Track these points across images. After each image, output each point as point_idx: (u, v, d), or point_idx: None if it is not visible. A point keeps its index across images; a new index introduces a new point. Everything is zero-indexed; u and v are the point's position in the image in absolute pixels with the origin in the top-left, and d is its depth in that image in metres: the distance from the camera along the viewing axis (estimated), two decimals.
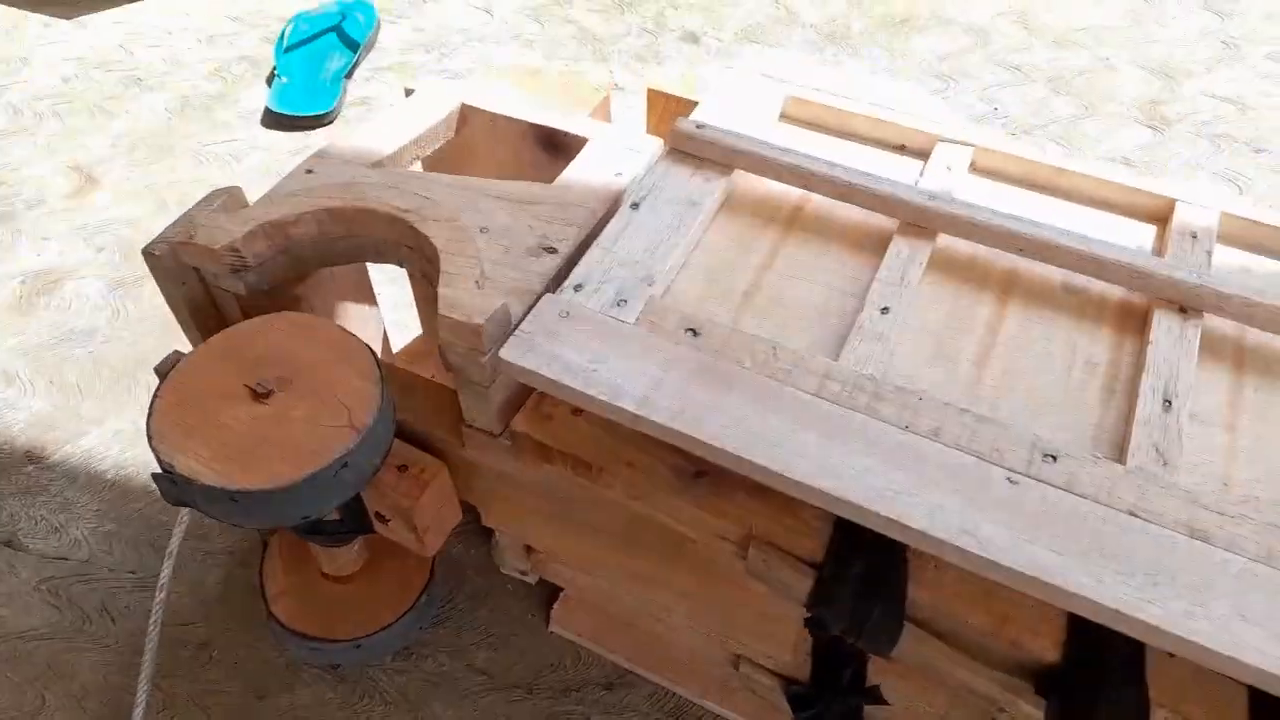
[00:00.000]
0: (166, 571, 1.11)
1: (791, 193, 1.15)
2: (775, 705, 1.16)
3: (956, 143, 1.18)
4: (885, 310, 0.98)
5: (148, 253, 1.11)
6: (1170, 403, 0.89)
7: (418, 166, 1.32)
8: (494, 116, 1.31)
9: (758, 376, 0.91)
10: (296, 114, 2.21)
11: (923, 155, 1.19)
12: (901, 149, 1.21)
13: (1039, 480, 0.83)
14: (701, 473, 0.99)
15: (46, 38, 2.51)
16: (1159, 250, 1.07)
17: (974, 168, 1.17)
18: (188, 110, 2.27)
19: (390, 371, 1.17)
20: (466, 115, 1.33)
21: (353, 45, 2.40)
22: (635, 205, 1.09)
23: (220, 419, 0.96)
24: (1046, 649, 0.85)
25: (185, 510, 1.11)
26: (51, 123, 2.23)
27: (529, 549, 1.30)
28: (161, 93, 2.33)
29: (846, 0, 2.63)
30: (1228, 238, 1.08)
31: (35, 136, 2.19)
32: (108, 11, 2.60)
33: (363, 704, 1.26)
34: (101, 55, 2.45)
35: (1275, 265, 1.06)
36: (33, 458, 1.54)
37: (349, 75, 2.37)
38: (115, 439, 1.57)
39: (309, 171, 1.17)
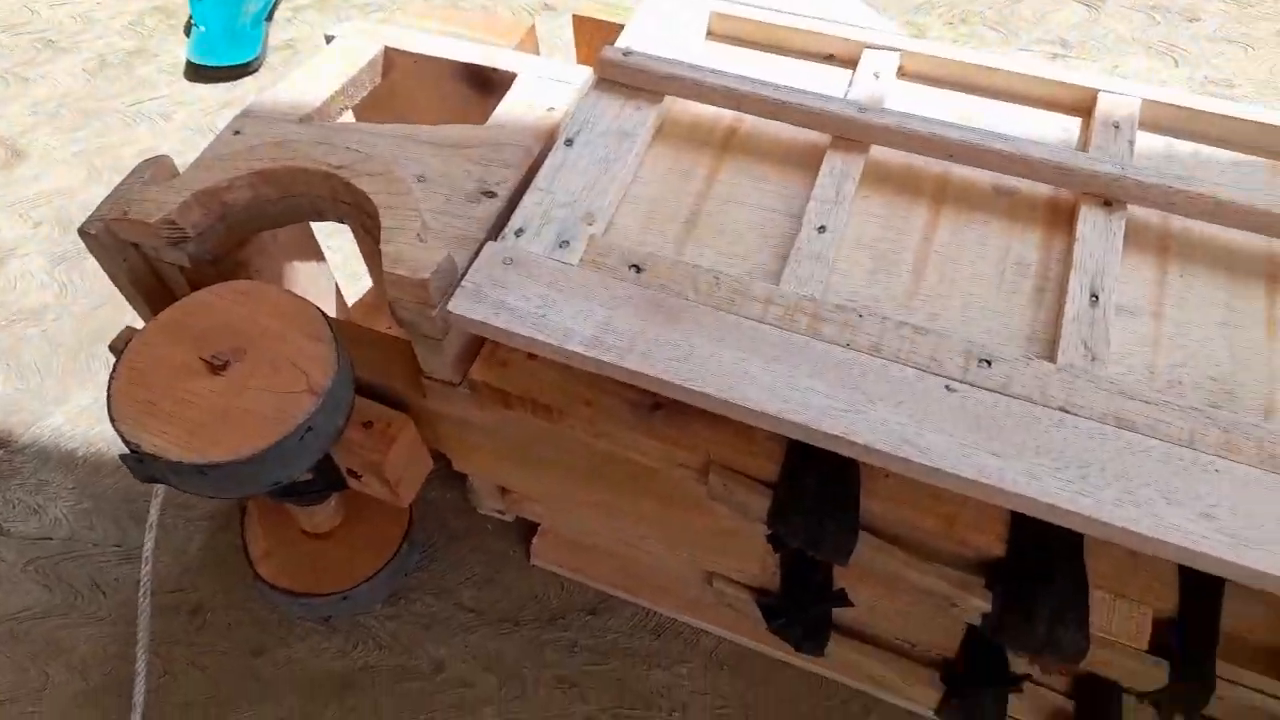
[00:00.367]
0: (149, 543, 1.13)
1: (724, 115, 1.14)
2: (750, 616, 1.22)
3: (883, 49, 1.18)
4: (822, 229, 1.00)
5: (84, 232, 1.09)
6: (1097, 297, 0.92)
7: (348, 116, 1.30)
8: (418, 58, 1.29)
9: (702, 308, 0.93)
10: (220, 64, 2.14)
11: (851, 64, 1.19)
12: (830, 59, 1.21)
13: (976, 386, 0.86)
14: (658, 405, 1.01)
15: None
16: (1084, 143, 1.09)
17: (902, 73, 1.17)
18: (107, 69, 2.19)
19: (345, 329, 1.18)
20: (391, 59, 1.31)
21: None
22: (569, 142, 1.08)
23: (180, 394, 0.97)
24: (992, 544, 0.91)
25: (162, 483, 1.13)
26: None
27: (503, 489, 1.34)
28: (76, 53, 2.24)
29: None
30: (1150, 124, 1.10)
31: None
32: None
33: (357, 651, 1.31)
34: (6, 17, 2.34)
35: (1196, 148, 1.09)
36: (1, 443, 1.55)
37: (269, 17, 2.29)
38: (81, 415, 1.57)
39: (237, 133, 1.15)
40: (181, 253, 1.09)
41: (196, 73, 2.16)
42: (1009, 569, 0.88)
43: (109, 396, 0.98)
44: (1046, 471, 0.80)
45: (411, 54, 1.29)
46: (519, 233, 1.00)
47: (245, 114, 1.18)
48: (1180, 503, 0.78)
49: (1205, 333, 0.93)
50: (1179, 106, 1.09)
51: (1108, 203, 1.00)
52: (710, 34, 1.26)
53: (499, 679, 1.29)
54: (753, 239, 1.02)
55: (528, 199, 1.03)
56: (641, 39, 1.20)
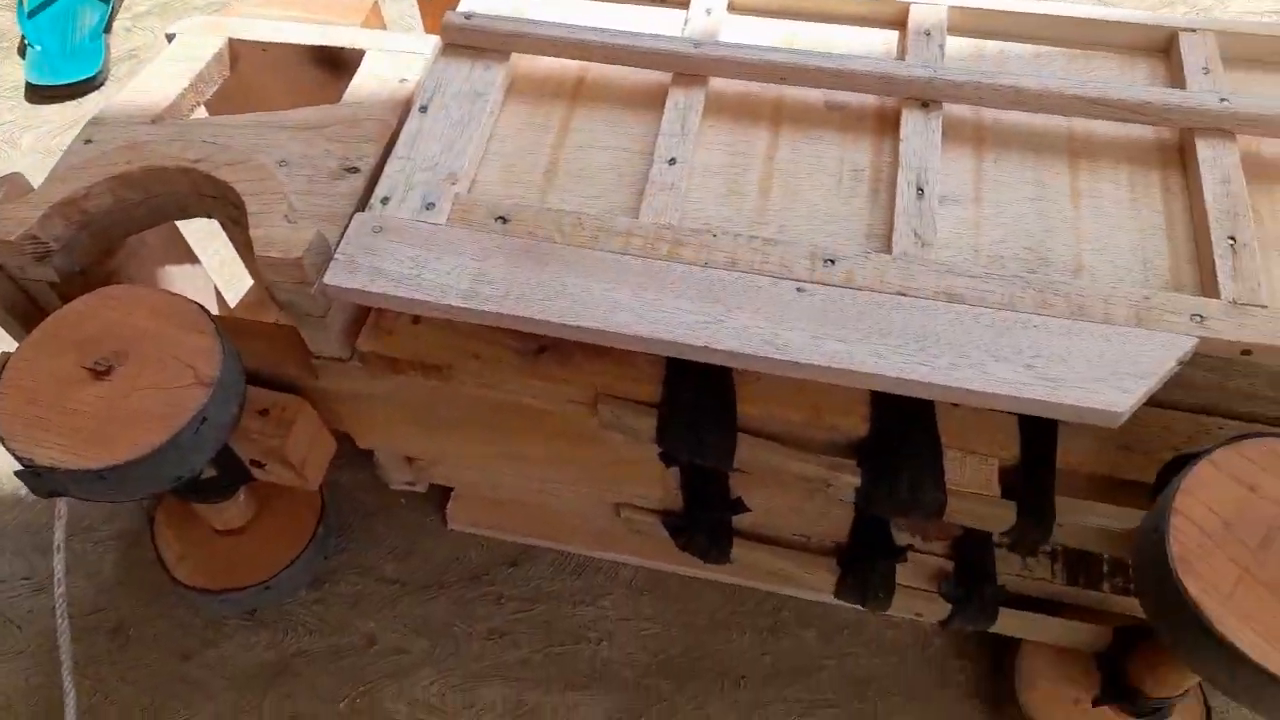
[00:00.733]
0: (59, 564, 1.13)
1: (570, 66, 1.19)
2: (661, 539, 1.29)
3: None
4: (672, 161, 1.06)
5: None
6: (923, 190, 1.02)
7: (201, 113, 1.30)
8: (264, 46, 1.29)
9: (569, 248, 0.98)
10: (61, 83, 2.07)
11: (684, 4, 1.25)
12: (663, 1, 1.27)
13: (823, 284, 0.94)
14: (543, 349, 1.07)
15: None
16: (901, 53, 1.18)
17: (732, 7, 1.24)
18: None
19: (228, 323, 1.19)
20: (237, 50, 1.31)
21: None
22: (424, 108, 1.12)
23: (68, 405, 0.97)
24: (857, 426, 1.00)
25: (61, 503, 1.13)
26: None
27: (409, 460, 1.37)
28: None
29: None
30: (959, 29, 1.20)
31: None
32: None
33: (288, 639, 1.33)
34: None
35: (1002, 46, 1.19)
36: None
37: (107, 29, 2.22)
38: None
39: (88, 141, 1.15)
40: (47, 267, 1.09)
41: (38, 94, 2.09)
42: (875, 444, 0.98)
43: None
44: (890, 349, 0.89)
45: (256, 43, 1.30)
46: (385, 201, 1.03)
47: (95, 122, 1.17)
48: (1005, 358, 0.88)
49: (1019, 210, 1.03)
50: (982, 10, 1.19)
51: (925, 104, 1.09)
52: None
53: (431, 641, 1.33)
54: (610, 179, 1.08)
55: (390, 168, 1.06)
56: (482, 1, 1.24)
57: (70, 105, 2.08)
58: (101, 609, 1.36)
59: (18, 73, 2.14)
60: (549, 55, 1.17)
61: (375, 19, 1.41)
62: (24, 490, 1.47)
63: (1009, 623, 1.19)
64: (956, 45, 1.19)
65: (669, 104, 1.12)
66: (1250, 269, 0.95)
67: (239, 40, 1.30)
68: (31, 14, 2.18)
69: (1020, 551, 1.10)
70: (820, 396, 1.01)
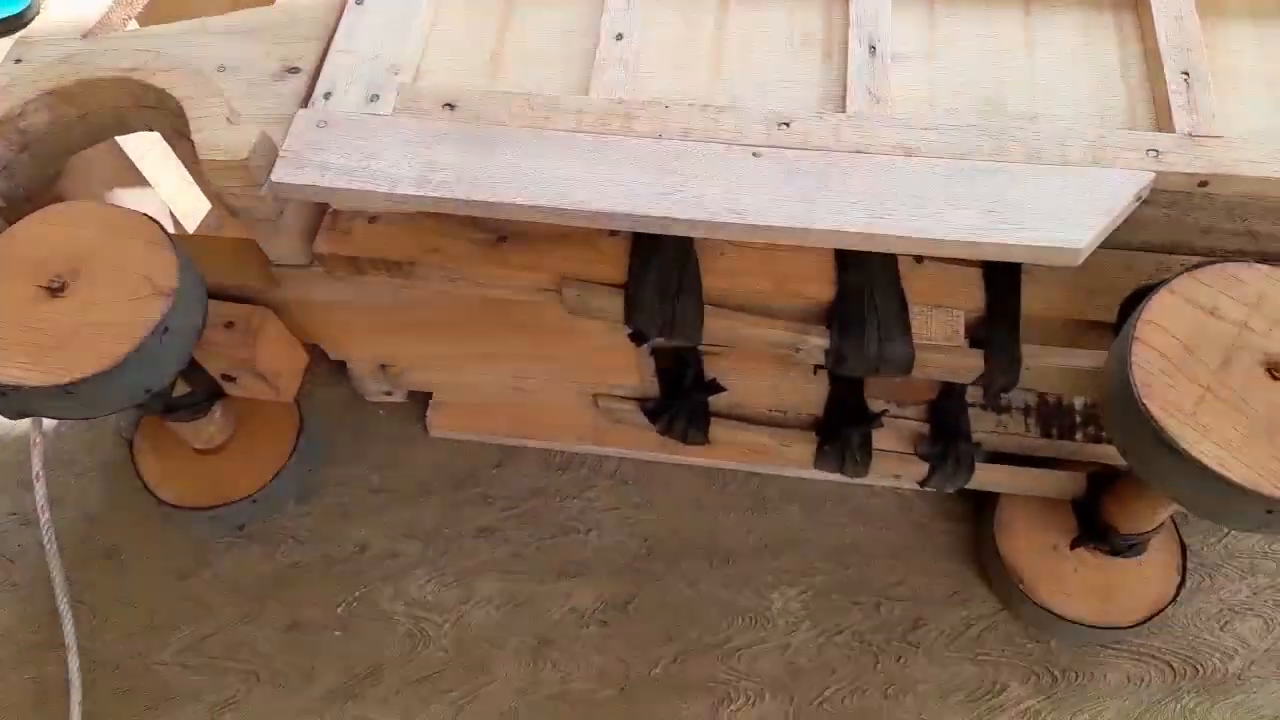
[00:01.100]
0: (40, 492, 1.14)
1: None
2: (640, 427, 1.31)
3: None
4: (620, 36, 1.04)
5: None
6: (875, 47, 1.00)
7: (134, 27, 1.26)
8: None
9: (520, 129, 0.97)
10: None
11: None
12: None
13: (779, 147, 0.94)
14: (503, 238, 1.06)
15: None
16: None
17: None
18: None
19: (185, 241, 1.18)
20: None
21: None
22: (359, 1, 1.08)
23: (28, 324, 0.96)
24: (823, 290, 1.00)
25: (36, 432, 1.13)
26: None
27: (383, 368, 1.37)
28: None
29: None
30: None
31: None
32: None
33: (281, 551, 1.35)
34: None
35: None
36: None
37: None
38: None
39: (18, 61, 1.11)
40: None
41: None
42: (842, 304, 0.98)
43: None
44: (849, 205, 0.89)
45: None
46: (327, 96, 1.01)
47: (23, 41, 1.13)
48: (964, 206, 0.88)
49: (974, 61, 1.01)
50: None
51: None
52: None
53: (422, 543, 1.35)
54: (558, 59, 1.05)
55: (330, 62, 1.04)
56: None
57: (2, 42, 2.00)
58: (92, 538, 1.37)
59: None
60: None
61: None
62: (2, 429, 1.48)
63: (986, 477, 1.21)
64: None
65: None
66: (1204, 102, 0.94)
67: None
68: None
69: (990, 398, 1.12)
70: (786, 265, 1.01)
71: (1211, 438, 0.79)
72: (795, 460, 1.25)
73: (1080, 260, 0.87)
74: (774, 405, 1.25)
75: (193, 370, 1.13)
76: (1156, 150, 0.91)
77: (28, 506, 1.41)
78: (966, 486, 1.23)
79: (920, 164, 0.91)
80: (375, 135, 0.96)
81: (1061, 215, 0.87)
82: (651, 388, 1.26)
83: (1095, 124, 0.96)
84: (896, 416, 1.20)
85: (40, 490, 1.15)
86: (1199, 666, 1.24)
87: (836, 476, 1.29)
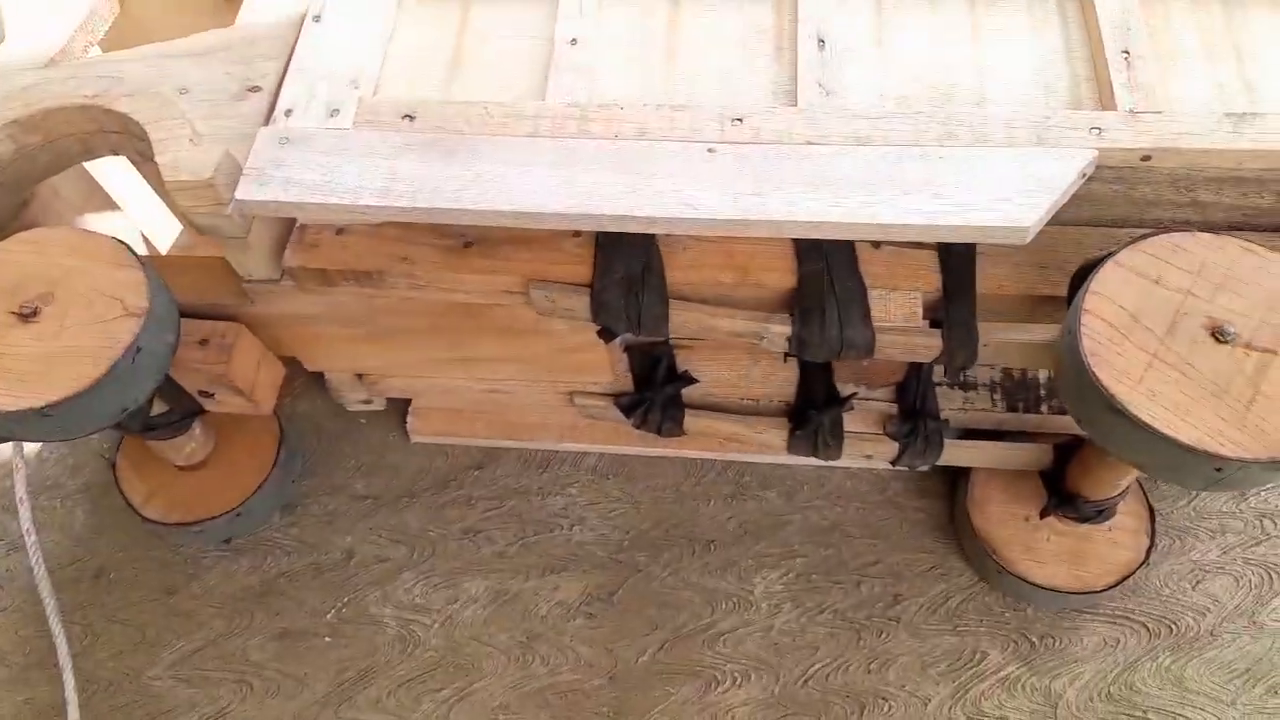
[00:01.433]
0: (25, 516, 1.15)
1: None
2: (617, 422, 1.33)
3: None
4: (574, 41, 1.06)
5: None
6: (824, 41, 1.02)
7: (96, 54, 1.27)
8: None
9: (478, 137, 0.98)
10: None
11: None
12: None
13: (733, 143, 0.96)
14: (469, 243, 1.08)
15: None
16: None
17: None
18: None
19: (156, 261, 1.19)
20: None
21: None
22: (317, 18, 1.10)
23: (1, 350, 0.97)
24: (784, 279, 1.02)
25: (19, 457, 1.14)
26: None
27: (360, 377, 1.39)
28: None
29: None
30: None
31: None
32: None
33: (268, 563, 1.37)
34: None
35: None
36: None
37: None
38: None
39: None
40: None
41: None
42: (800, 294, 1.00)
43: None
44: (802, 196, 0.91)
45: None
46: (289, 113, 1.02)
47: None
48: (914, 190, 0.90)
49: (922, 50, 1.04)
50: None
51: None
52: None
53: (408, 547, 1.37)
54: (515, 66, 1.07)
55: (289, 80, 1.05)
56: None
57: None
58: (80, 559, 1.39)
59: None
60: None
61: None
62: None
63: (955, 453, 1.24)
64: None
65: None
66: (1145, 79, 0.97)
67: None
68: None
69: (952, 376, 1.15)
70: (747, 256, 1.04)
71: (1160, 402, 0.82)
72: (769, 446, 1.28)
73: (1028, 238, 0.89)
74: (746, 394, 1.27)
75: (170, 388, 1.15)
76: (1099, 128, 0.94)
77: (14, 532, 1.42)
78: (938, 463, 1.26)
79: (871, 153, 0.93)
80: (336, 149, 0.98)
81: (1008, 195, 0.90)
82: (625, 383, 1.28)
83: (1041, 105, 0.99)
84: (866, 398, 1.23)
85: (25, 514, 1.17)
86: (1173, 626, 1.27)
87: (812, 460, 1.32)
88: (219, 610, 1.33)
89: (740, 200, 0.91)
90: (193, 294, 1.16)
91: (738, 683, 1.25)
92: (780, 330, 1.02)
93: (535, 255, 1.06)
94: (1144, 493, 1.28)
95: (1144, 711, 1.21)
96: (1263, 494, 1.36)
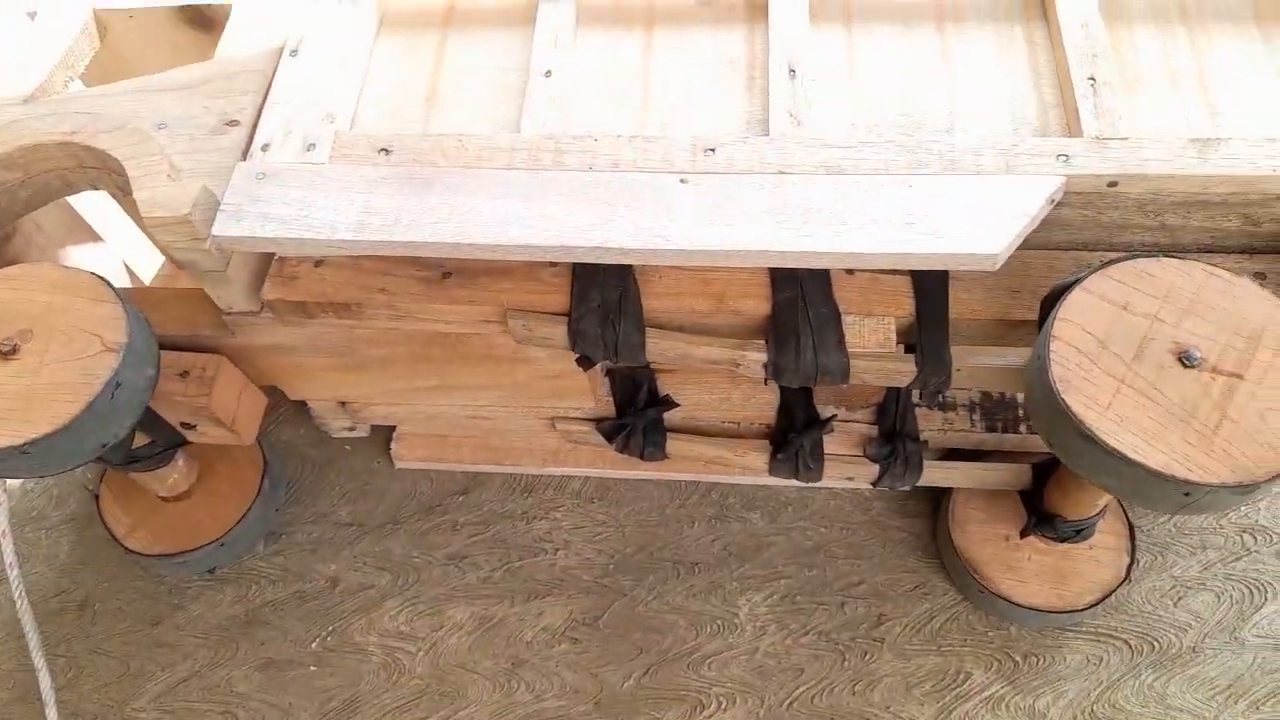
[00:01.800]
0: (7, 547, 1.15)
1: None
2: (600, 447, 1.33)
3: None
4: (549, 74, 1.07)
5: None
6: (795, 70, 1.03)
7: (77, 87, 1.28)
8: (130, 13, 1.27)
9: (453, 170, 0.99)
10: None
11: None
12: None
13: (705, 173, 0.97)
14: (447, 273, 1.09)
15: None
16: None
17: None
18: None
19: (136, 294, 1.20)
20: (103, 20, 1.28)
21: None
22: (294, 53, 1.11)
23: None
24: (759, 306, 1.03)
25: (1, 490, 1.14)
26: None
27: (343, 405, 1.39)
28: None
29: None
30: None
31: None
32: None
33: (252, 592, 1.37)
34: None
35: None
36: None
37: None
38: None
39: None
40: None
41: None
42: (777, 318, 1.01)
43: None
44: (774, 225, 0.92)
45: (123, 11, 1.27)
46: (265, 148, 1.03)
47: None
48: (885, 219, 0.91)
49: (892, 78, 1.05)
50: None
51: None
52: None
53: (393, 575, 1.37)
54: (490, 99, 1.08)
55: (266, 115, 1.06)
56: None
57: None
58: (64, 591, 1.38)
59: None
60: None
61: None
62: None
63: (935, 474, 1.25)
64: None
65: (540, 18, 1.12)
66: (1110, 105, 0.98)
67: (104, 10, 1.27)
68: None
69: (927, 399, 1.16)
70: (723, 284, 1.05)
71: (1128, 427, 0.83)
72: (752, 469, 1.28)
73: (997, 265, 0.91)
74: (728, 417, 1.28)
75: (152, 420, 1.15)
76: (1066, 155, 0.95)
77: None
78: (919, 484, 1.27)
79: (842, 181, 0.94)
80: (313, 184, 0.99)
81: (977, 223, 0.91)
82: (608, 408, 1.28)
83: (1009, 133, 1.00)
84: (846, 421, 1.24)
85: (8, 547, 1.17)
86: (1155, 643, 1.27)
87: (795, 482, 1.32)
88: (204, 641, 1.33)
89: (712, 230, 0.92)
90: (174, 326, 1.16)
91: (723, 706, 1.25)
92: (756, 357, 1.02)
93: (513, 285, 1.07)
94: (1124, 510, 1.29)
95: None
96: (1243, 509, 1.37)
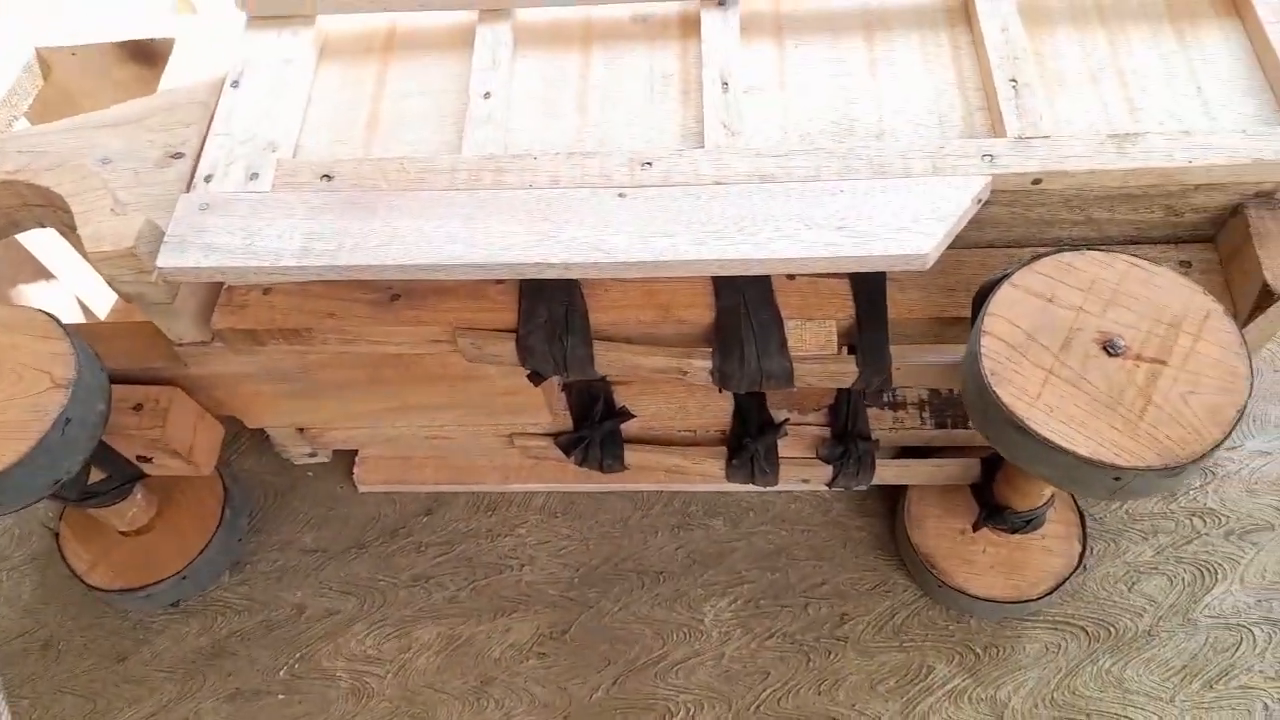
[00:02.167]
0: None
1: (379, 20, 1.20)
2: (560, 461, 1.35)
3: None
4: (488, 95, 1.09)
5: None
6: (727, 84, 1.06)
7: (23, 125, 1.28)
8: (73, 50, 1.28)
9: (396, 193, 1.01)
10: None
11: None
12: None
13: (642, 186, 0.99)
14: (396, 295, 1.10)
15: None
16: None
17: None
18: None
19: (85, 329, 1.20)
20: (46, 58, 1.29)
21: None
22: (235, 84, 1.12)
23: None
24: (704, 314, 1.05)
25: None
26: None
27: (302, 431, 1.39)
28: None
29: None
30: None
31: None
32: None
33: (219, 623, 1.36)
34: None
35: None
36: None
37: None
38: None
39: None
40: None
41: None
42: (720, 326, 1.03)
43: None
44: (711, 235, 0.94)
45: (65, 48, 1.28)
46: (208, 179, 1.04)
47: None
48: (817, 224, 0.94)
49: (822, 87, 1.08)
50: None
51: (721, 2, 1.13)
52: None
53: (359, 599, 1.37)
54: (431, 121, 1.10)
55: (209, 145, 1.07)
56: None
57: None
58: (28, 631, 1.37)
59: None
60: (351, 11, 1.17)
61: (184, 5, 1.39)
62: None
63: (888, 472, 1.27)
64: None
65: (478, 41, 1.14)
66: (1032, 106, 1.01)
67: (45, 48, 1.28)
68: None
69: (872, 399, 1.18)
70: (667, 294, 1.06)
71: (1057, 416, 0.85)
72: (710, 476, 1.30)
73: (928, 264, 0.93)
74: (684, 425, 1.30)
75: (106, 455, 1.15)
76: (991, 155, 0.98)
77: None
78: (873, 483, 1.29)
79: (775, 189, 0.97)
80: (256, 213, 1.00)
81: (906, 225, 0.93)
82: (566, 422, 1.30)
83: (937, 135, 1.03)
84: (799, 424, 1.26)
85: None
86: (1111, 628, 1.30)
87: (754, 488, 1.34)
88: (170, 674, 1.32)
89: (651, 242, 0.94)
90: (126, 360, 1.17)
91: (691, 713, 1.26)
92: (701, 365, 1.04)
93: (461, 304, 1.08)
94: (1074, 500, 1.32)
95: (1087, 715, 1.24)
96: (1192, 493, 1.41)
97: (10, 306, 1.08)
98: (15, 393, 0.99)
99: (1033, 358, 0.89)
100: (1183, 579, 1.33)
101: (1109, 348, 0.88)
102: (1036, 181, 0.98)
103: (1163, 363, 0.87)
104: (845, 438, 1.23)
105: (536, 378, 1.11)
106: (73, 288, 1.46)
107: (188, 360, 1.16)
